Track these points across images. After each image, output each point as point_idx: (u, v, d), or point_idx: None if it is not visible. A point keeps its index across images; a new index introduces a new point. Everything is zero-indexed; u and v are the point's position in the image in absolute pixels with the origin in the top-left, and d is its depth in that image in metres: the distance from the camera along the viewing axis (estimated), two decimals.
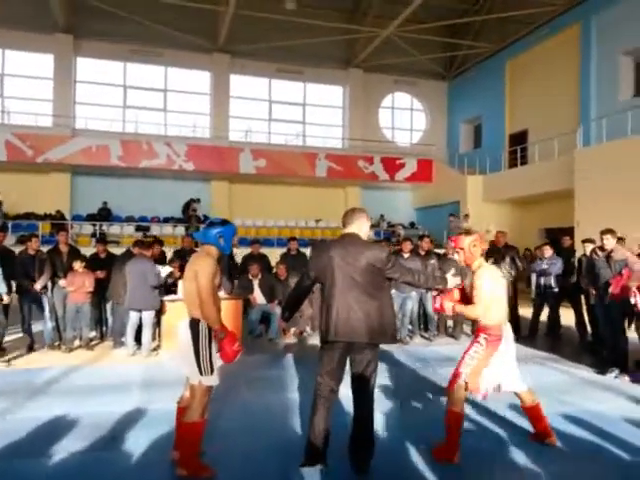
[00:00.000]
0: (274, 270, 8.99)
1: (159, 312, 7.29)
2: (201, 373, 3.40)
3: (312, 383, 3.56)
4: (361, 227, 3.57)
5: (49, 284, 7.20)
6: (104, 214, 16.44)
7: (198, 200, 17.27)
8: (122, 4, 16.46)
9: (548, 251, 8.02)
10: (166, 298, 7.31)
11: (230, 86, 19.48)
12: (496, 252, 8.65)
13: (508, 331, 3.77)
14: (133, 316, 6.98)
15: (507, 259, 8.36)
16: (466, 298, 3.82)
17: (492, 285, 3.64)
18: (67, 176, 17.04)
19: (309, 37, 18.53)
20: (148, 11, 16.92)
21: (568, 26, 16.25)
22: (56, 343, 7.25)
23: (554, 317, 8.25)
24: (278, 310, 8.06)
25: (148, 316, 6.96)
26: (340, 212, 14.74)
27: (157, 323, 7.40)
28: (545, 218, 16.29)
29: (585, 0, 15.59)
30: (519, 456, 3.76)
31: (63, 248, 7.47)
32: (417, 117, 22.61)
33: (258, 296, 8.39)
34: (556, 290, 8.00)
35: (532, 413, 3.96)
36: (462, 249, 3.75)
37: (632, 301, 5.80)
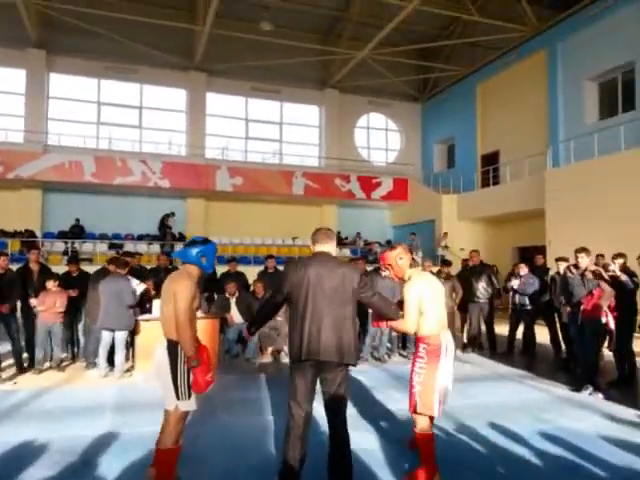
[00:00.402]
0: (251, 288, 8.91)
1: (132, 332, 7.12)
2: (178, 398, 3.27)
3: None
4: (333, 247, 3.57)
5: (18, 304, 6.97)
6: (76, 231, 16.08)
7: (173, 214, 17.09)
8: (97, 21, 16.40)
9: (523, 269, 8.18)
10: (140, 317, 7.15)
11: (206, 104, 19.48)
12: (472, 270, 8.82)
13: (448, 339, 3.70)
14: (106, 336, 6.79)
15: (484, 277, 8.52)
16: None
17: (422, 294, 3.58)
18: (38, 193, 16.66)
19: (285, 57, 18.77)
20: (124, 28, 16.89)
21: (535, 52, 16.88)
22: (25, 365, 6.99)
23: (529, 334, 8.37)
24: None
25: (122, 336, 6.78)
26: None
27: (131, 343, 7.22)
28: (518, 237, 16.65)
29: (550, 27, 16.24)
30: (498, 472, 3.78)
31: (34, 266, 7.26)
32: (392, 137, 23.00)
33: (235, 315, 8.29)
34: (530, 308, 8.16)
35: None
36: (390, 265, 3.75)
37: (603, 320, 5.95)
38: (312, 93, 20.85)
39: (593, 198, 12.11)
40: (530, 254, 10.34)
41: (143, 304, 7.38)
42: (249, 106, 20.58)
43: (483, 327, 8.82)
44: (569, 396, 5.93)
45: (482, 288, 8.48)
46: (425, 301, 3.58)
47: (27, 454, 4.09)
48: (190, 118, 19.22)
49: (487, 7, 17.21)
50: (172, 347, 3.30)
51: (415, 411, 3.58)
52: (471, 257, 9.07)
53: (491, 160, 18.63)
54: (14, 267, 7.70)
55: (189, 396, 3.29)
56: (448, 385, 3.66)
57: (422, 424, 3.59)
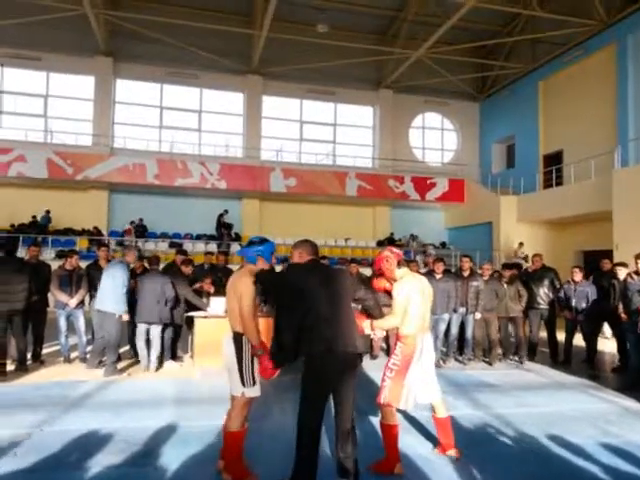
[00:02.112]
0: None
1: (178, 326, 7.35)
2: (244, 384, 3.54)
3: None
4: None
5: (87, 299, 7.36)
6: (140, 230, 16.82)
7: (226, 211, 17.52)
8: (159, 28, 17.08)
9: (578, 275, 7.75)
10: (196, 314, 7.36)
11: (262, 107, 19.84)
12: (533, 275, 8.46)
13: (426, 341, 3.87)
14: (141, 328, 6.91)
15: (545, 281, 8.14)
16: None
17: (409, 295, 3.75)
18: (105, 193, 17.57)
19: (340, 58, 18.79)
20: (184, 35, 17.50)
21: (603, 46, 16.03)
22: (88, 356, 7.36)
23: (589, 342, 7.89)
24: None
25: (156, 330, 6.90)
26: (370, 231, 14.92)
27: (175, 339, 7.43)
28: (582, 240, 15.86)
29: (620, 20, 15.37)
30: None
31: (103, 264, 7.62)
32: (448, 137, 22.53)
33: None
34: (586, 315, 7.66)
35: (442, 424, 4.06)
36: (381, 270, 3.93)
37: None
38: (366, 94, 20.78)
39: None
40: (596, 258, 9.80)
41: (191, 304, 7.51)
42: (303, 108, 20.77)
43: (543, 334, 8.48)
44: (637, 408, 5.59)
45: (543, 293, 8.11)
46: (411, 302, 3.76)
47: (94, 442, 4.31)
48: (247, 121, 19.64)
49: (550, 1, 16.52)
50: (238, 338, 3.60)
51: (381, 403, 3.78)
52: (533, 261, 8.70)
53: (554, 160, 17.85)
54: (83, 264, 8.18)
55: (254, 383, 3.56)
56: (418, 392, 3.81)
57: (388, 415, 3.79)
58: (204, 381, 6.54)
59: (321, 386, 3.36)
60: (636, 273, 6.13)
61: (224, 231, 17.09)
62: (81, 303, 7.30)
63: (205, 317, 7.32)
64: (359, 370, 3.55)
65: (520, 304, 7.89)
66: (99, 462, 3.90)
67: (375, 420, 4.43)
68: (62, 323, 7.26)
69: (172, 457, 4.03)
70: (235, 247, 16.44)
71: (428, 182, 19.30)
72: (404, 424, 4.62)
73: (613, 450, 4.30)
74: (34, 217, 15.97)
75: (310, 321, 3.38)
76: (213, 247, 16.12)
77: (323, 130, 21.13)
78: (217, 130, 19.84)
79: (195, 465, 3.92)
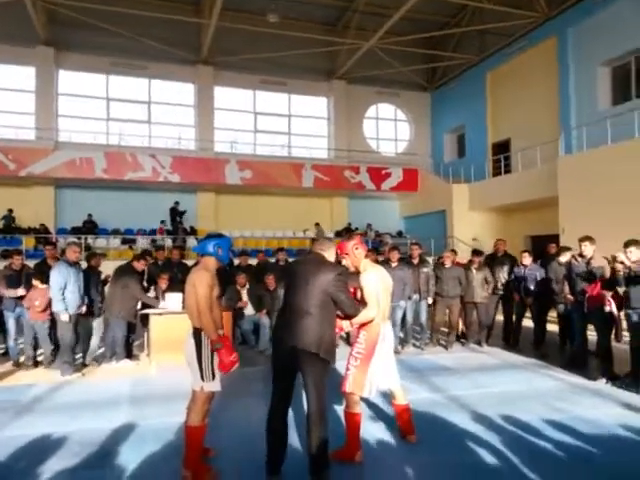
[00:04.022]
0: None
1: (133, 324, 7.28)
2: (203, 379, 3.56)
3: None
4: (329, 253, 3.69)
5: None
6: (89, 227, 16.23)
7: (177, 203, 17.21)
8: (104, 17, 16.43)
9: (527, 259, 8.04)
10: (151, 311, 7.21)
11: (215, 98, 19.48)
12: (495, 260, 8.70)
13: (387, 328, 3.97)
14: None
15: (505, 267, 8.38)
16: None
17: (377, 285, 3.84)
18: (51, 189, 16.82)
19: (292, 49, 18.68)
20: (131, 24, 16.91)
21: (545, 38, 16.61)
22: (39, 358, 7.09)
23: (538, 324, 8.17)
24: (266, 320, 8.04)
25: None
26: (327, 222, 15.00)
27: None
28: (531, 226, 16.50)
29: (561, 13, 15.97)
30: (512, 462, 3.78)
31: (51, 262, 7.34)
32: (401, 127, 22.84)
33: (246, 301, 8.40)
34: (535, 297, 7.95)
35: (401, 411, 4.18)
36: (347, 254, 3.94)
37: (607, 309, 5.94)
38: (320, 85, 20.76)
39: (607, 185, 11.95)
40: (543, 243, 10.22)
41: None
42: (257, 99, 20.55)
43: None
44: (584, 385, 5.90)
45: (503, 279, 8.36)
46: (377, 292, 3.83)
47: (46, 446, 4.17)
48: (199, 112, 19.24)
49: None
50: (197, 333, 3.60)
51: (345, 391, 3.84)
52: (497, 246, 8.92)
53: (502, 148, 18.44)
54: (30, 263, 7.84)
55: (213, 378, 3.59)
56: (382, 370, 3.91)
57: (352, 404, 3.85)
58: (161, 378, 6.42)
59: (275, 372, 3.56)
60: (580, 256, 6.41)
61: (178, 220, 16.77)
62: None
63: (160, 314, 7.17)
64: (327, 368, 3.52)
65: (487, 290, 8.13)
66: (51, 467, 3.77)
67: (339, 408, 4.49)
68: (11, 325, 6.96)
69: (129, 457, 3.95)
70: (191, 242, 16.14)
71: (383, 172, 19.54)
72: (366, 411, 4.69)
73: (562, 425, 4.52)
74: None
75: (280, 312, 3.68)
76: (168, 242, 15.76)
77: (278, 121, 20.99)
78: (168, 122, 19.35)
79: (153, 463, 3.86)
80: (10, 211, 15.66)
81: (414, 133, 22.57)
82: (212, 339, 3.54)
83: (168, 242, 15.70)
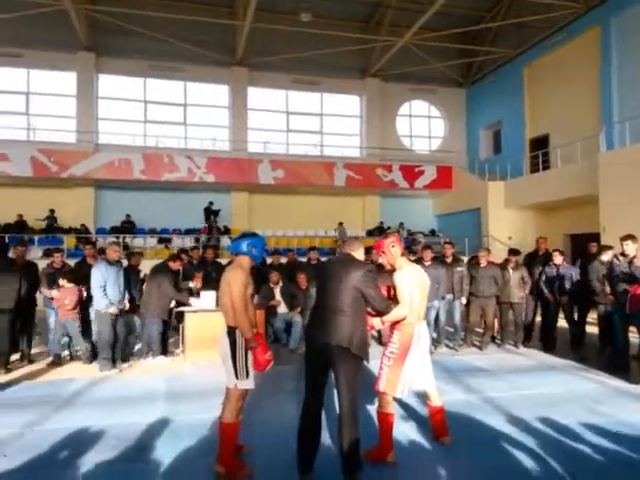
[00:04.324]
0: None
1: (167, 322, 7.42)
2: (237, 377, 3.60)
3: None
4: (358, 253, 3.70)
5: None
6: (128, 227, 16.69)
7: (211, 203, 17.44)
8: (141, 22, 16.84)
9: (558, 258, 7.78)
10: (186, 309, 7.35)
11: (248, 99, 19.69)
12: (536, 259, 8.46)
13: (422, 328, 3.92)
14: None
15: (542, 268, 8.10)
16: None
17: (411, 283, 3.80)
18: (91, 190, 17.38)
19: (325, 48, 18.67)
20: (167, 28, 17.27)
21: (587, 29, 16.06)
22: (79, 354, 7.33)
23: (576, 325, 7.89)
24: (299, 319, 8.06)
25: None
26: (359, 220, 14.88)
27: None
28: (570, 224, 15.98)
29: (603, 3, 15.39)
30: (549, 465, 3.67)
31: (90, 261, 7.57)
32: (435, 124, 22.52)
33: (280, 304, 8.44)
34: (570, 297, 7.67)
35: (436, 412, 4.12)
36: (383, 252, 3.96)
37: None
38: (352, 83, 20.69)
39: None
40: (583, 242, 9.88)
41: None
42: (290, 99, 20.65)
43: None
44: (625, 389, 5.67)
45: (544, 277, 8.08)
46: (411, 291, 3.79)
47: (85, 440, 4.29)
48: (233, 113, 19.48)
49: None
50: (231, 332, 3.65)
51: (379, 390, 3.82)
52: (538, 245, 8.67)
53: (540, 144, 17.92)
54: (71, 262, 8.11)
55: (247, 376, 3.62)
56: (414, 379, 3.88)
57: (384, 403, 3.82)
58: (195, 375, 6.53)
59: (307, 370, 3.56)
60: (622, 255, 6.18)
61: (213, 219, 17.03)
62: None
63: (195, 312, 7.30)
64: (360, 366, 3.51)
65: (524, 290, 7.93)
66: (90, 460, 3.88)
67: (371, 408, 4.46)
68: (52, 321, 7.21)
69: (165, 451, 4.02)
70: (225, 241, 16.37)
71: (416, 170, 19.32)
72: (399, 411, 4.64)
73: (602, 429, 4.36)
74: (20, 216, 15.78)
75: (313, 310, 3.72)
76: (203, 241, 16.03)
77: (310, 121, 21.04)
78: (203, 123, 19.67)
79: (188, 458, 3.93)
80: (52, 212, 16.25)
81: (448, 130, 22.21)
82: (247, 337, 3.59)
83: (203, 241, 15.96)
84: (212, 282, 8.03)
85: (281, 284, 8.64)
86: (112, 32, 17.46)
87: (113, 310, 6.51)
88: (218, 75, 19.21)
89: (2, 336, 6.60)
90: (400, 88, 21.18)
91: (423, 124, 22.38)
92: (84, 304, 7.11)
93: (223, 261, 9.93)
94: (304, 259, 10.23)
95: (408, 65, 20.01)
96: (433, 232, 20.18)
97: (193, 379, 6.34)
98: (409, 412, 4.83)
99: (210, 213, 17.30)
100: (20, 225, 15.59)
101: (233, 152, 18.94)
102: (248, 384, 3.65)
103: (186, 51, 17.96)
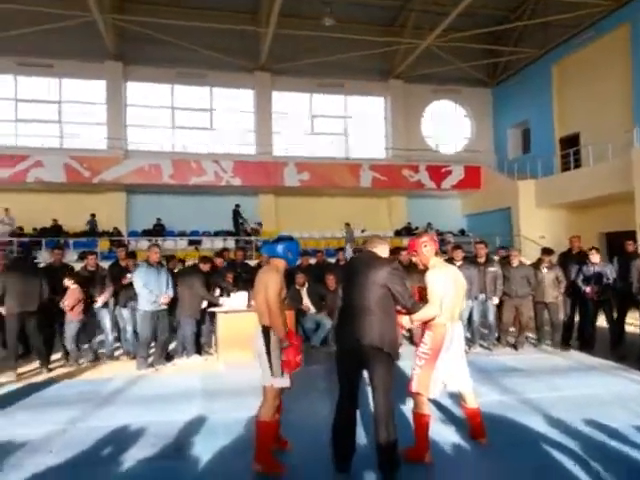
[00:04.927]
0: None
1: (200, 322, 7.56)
2: (272, 375, 3.64)
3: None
4: (382, 249, 3.72)
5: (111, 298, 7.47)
6: (158, 230, 17.01)
7: (238, 205, 17.56)
8: (167, 30, 17.13)
9: (595, 256, 7.58)
10: (217, 309, 7.45)
11: (273, 103, 19.83)
12: (569, 258, 8.27)
13: (456, 329, 3.85)
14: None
15: (578, 266, 7.90)
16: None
17: (443, 284, 3.75)
18: (122, 195, 17.76)
19: (348, 51, 18.66)
20: (192, 35, 17.54)
21: (616, 27, 15.69)
22: (116, 353, 7.50)
23: (614, 324, 7.67)
24: (327, 320, 8.06)
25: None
26: (385, 221, 14.81)
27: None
28: (604, 222, 15.55)
29: (632, 0, 15.01)
30: (591, 469, 3.58)
31: (123, 263, 7.74)
32: (462, 125, 22.28)
33: (308, 305, 8.46)
34: (607, 297, 7.46)
35: (472, 414, 4.06)
36: (416, 251, 3.95)
37: None
38: (376, 85, 20.65)
39: None
40: (618, 240, 9.61)
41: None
42: (313, 102, 20.72)
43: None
44: None
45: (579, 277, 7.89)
46: (444, 291, 3.74)
47: (125, 437, 4.38)
48: (258, 117, 19.65)
49: None
50: (266, 331, 3.69)
51: (412, 391, 3.80)
52: (572, 243, 8.47)
53: (571, 143, 17.53)
54: (105, 264, 8.30)
55: (282, 374, 3.64)
56: (448, 379, 3.86)
57: (419, 404, 3.78)
58: (229, 374, 6.59)
59: (340, 371, 3.59)
60: None
61: (241, 222, 17.16)
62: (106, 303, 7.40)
63: (226, 312, 7.39)
64: (391, 364, 3.51)
65: (558, 290, 7.77)
66: (132, 456, 3.96)
67: (405, 408, 4.44)
68: (107, 322, 7.40)
69: (202, 449, 4.08)
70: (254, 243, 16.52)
71: (443, 170, 19.14)
72: (435, 412, 4.60)
73: None
74: (55, 220, 16.22)
75: (341, 310, 3.73)
76: (231, 243, 16.21)
77: (334, 123, 21.06)
78: (229, 128, 19.89)
79: (225, 456, 3.97)
80: (93, 216, 16.69)
81: (475, 130, 21.95)
82: (281, 337, 3.62)
83: (231, 243, 16.12)
84: (242, 283, 8.13)
85: (307, 285, 8.65)
86: (139, 41, 17.82)
87: (158, 305, 6.67)
88: (242, 80, 19.41)
89: (35, 337, 6.81)
90: (424, 89, 21.05)
91: (448, 125, 22.16)
92: (88, 306, 7.23)
93: (252, 263, 10.03)
94: (332, 260, 10.23)
95: (432, 66, 19.87)
96: (463, 232, 19.94)
97: (227, 378, 6.40)
98: (446, 413, 4.78)
99: (238, 216, 17.45)
100: (56, 229, 16.01)
101: (259, 155, 19.10)
102: (284, 382, 3.68)
103: (211, 58, 18.20)
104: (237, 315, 7.14)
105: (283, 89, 20.01)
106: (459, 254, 7.68)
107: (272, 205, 19.08)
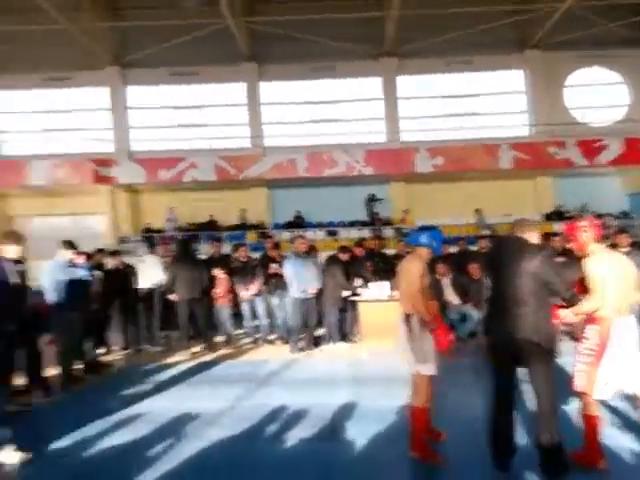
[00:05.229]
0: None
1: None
2: (416, 361, 3.72)
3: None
4: (531, 236, 3.55)
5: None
6: (298, 222, 17.94)
7: (373, 195, 17.62)
8: (295, 26, 17.64)
9: None
10: (357, 299, 7.68)
11: (398, 88, 19.49)
12: None
13: (626, 324, 3.50)
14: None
15: None
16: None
17: (605, 272, 3.42)
18: (264, 190, 18.97)
19: (478, 24, 17.54)
20: (318, 28, 17.86)
21: None
22: (270, 337, 8.12)
23: None
24: (474, 311, 7.81)
25: None
26: (531, 205, 13.74)
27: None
28: None
29: None
30: None
31: (271, 253, 8.32)
32: (615, 92, 19.76)
33: (451, 296, 8.25)
34: None
35: None
36: (574, 237, 3.65)
37: None
38: (511, 58, 19.16)
39: None
40: None
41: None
42: (443, 82, 19.93)
43: None
44: None
45: None
46: (606, 281, 3.41)
47: (286, 416, 4.80)
48: (386, 104, 19.50)
49: None
50: (407, 318, 3.80)
51: (577, 391, 3.57)
52: None
53: None
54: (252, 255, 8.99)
55: (427, 361, 3.70)
56: (621, 380, 3.51)
57: (587, 405, 3.54)
58: (373, 361, 6.79)
59: (495, 366, 3.50)
60: None
61: (375, 211, 17.30)
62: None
63: (367, 301, 7.58)
64: (550, 360, 3.36)
65: None
66: (294, 435, 4.34)
67: (569, 408, 4.19)
68: (246, 309, 8.12)
69: (356, 434, 4.29)
70: (388, 232, 16.58)
71: (596, 145, 17.21)
72: (609, 415, 4.29)
73: None
74: (211, 216, 17.92)
75: (491, 302, 3.61)
76: (366, 233, 16.44)
77: (464, 103, 20.04)
78: (359, 117, 20.01)
79: (378, 443, 4.13)
80: (244, 211, 18.16)
81: (635, 97, 19.34)
82: (427, 321, 3.70)
83: (366, 233, 16.35)
84: (380, 272, 8.24)
85: (450, 275, 8.44)
86: (270, 41, 18.66)
87: (302, 296, 7.11)
88: (369, 68, 19.33)
89: (201, 321, 7.69)
90: (567, 56, 19.00)
91: (599, 93, 19.81)
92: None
93: (389, 252, 10.10)
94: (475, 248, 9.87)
95: (575, 29, 17.81)
96: (626, 214, 17.77)
97: (372, 365, 6.61)
98: (621, 416, 4.37)
99: (372, 205, 17.63)
100: (211, 224, 17.72)
101: (388, 143, 18.98)
102: (429, 369, 3.73)
103: (337, 49, 18.42)
104: (379, 304, 7.29)
105: (410, 72, 19.54)
106: (624, 239, 6.90)
107: (404, 192, 18.88)
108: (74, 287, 6.19)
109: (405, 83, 19.61)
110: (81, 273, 6.48)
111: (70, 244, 6.32)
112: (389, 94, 19.30)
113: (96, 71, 18.09)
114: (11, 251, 4.78)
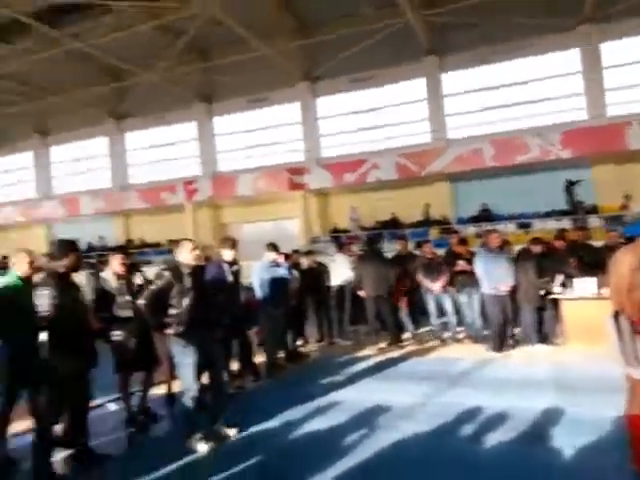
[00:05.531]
0: None
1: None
2: (627, 364, 3.33)
3: None
4: None
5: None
6: (485, 215, 17.02)
7: (571, 180, 15.70)
8: (472, 13, 16.71)
9: None
10: (560, 296, 7.03)
11: (602, 56, 17.03)
12: None
13: None
14: None
15: None
16: None
17: None
18: (446, 184, 18.48)
19: None
20: (497, 10, 16.63)
21: None
22: (458, 336, 7.91)
23: None
24: None
25: None
26: None
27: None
28: None
29: None
30: None
31: (458, 249, 8.08)
32: None
33: None
34: None
35: None
36: None
37: None
38: None
39: None
40: None
41: None
42: None
43: None
44: None
45: None
46: None
47: (483, 417, 4.62)
48: (586, 77, 17.25)
49: None
50: (615, 318, 3.40)
51: None
52: None
53: None
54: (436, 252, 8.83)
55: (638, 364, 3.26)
56: None
57: None
58: (580, 366, 6.12)
59: None
60: None
61: (576, 203, 15.37)
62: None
63: (572, 300, 6.87)
64: None
65: None
66: (494, 437, 4.15)
67: None
68: (432, 306, 8.05)
69: (564, 441, 3.96)
70: (593, 221, 14.66)
71: None
72: None
73: None
74: (393, 214, 18.19)
75: None
76: (565, 224, 14.76)
77: None
78: (554, 96, 18.09)
79: (590, 452, 3.77)
80: (428, 205, 18.08)
81: None
82: (634, 320, 3.25)
83: (566, 224, 14.69)
84: (585, 268, 7.35)
85: None
86: (447, 30, 18.04)
87: (496, 292, 6.82)
88: (563, 41, 17.31)
89: (388, 318, 7.85)
90: None
91: None
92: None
93: (595, 244, 8.95)
94: None
95: None
96: None
97: (579, 370, 5.97)
98: None
99: (573, 191, 15.67)
100: (394, 222, 17.97)
101: (590, 120, 16.76)
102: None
103: (524, 25, 16.87)
104: (586, 302, 6.54)
105: (613, 38, 16.94)
106: None
107: (612, 175, 16.43)
108: (276, 285, 6.87)
109: (609, 50, 17.17)
110: (282, 272, 7.15)
111: (274, 246, 7.02)
112: (593, 66, 17.08)
113: (289, 88, 19.79)
114: (227, 255, 5.81)
